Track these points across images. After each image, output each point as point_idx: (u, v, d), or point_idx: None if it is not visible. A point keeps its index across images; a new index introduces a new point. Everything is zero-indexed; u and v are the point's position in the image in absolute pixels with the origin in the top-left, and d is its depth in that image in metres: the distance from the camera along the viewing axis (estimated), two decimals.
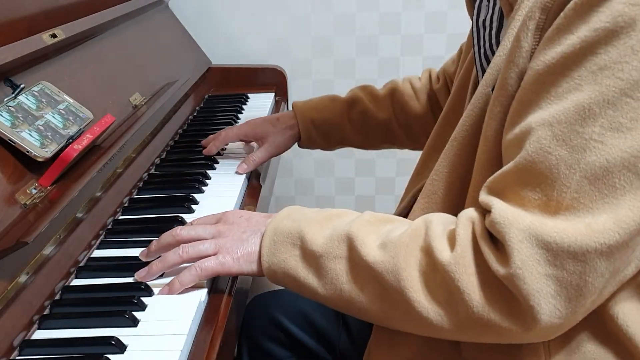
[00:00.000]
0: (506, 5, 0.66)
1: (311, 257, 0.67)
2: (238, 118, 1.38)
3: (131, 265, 0.78)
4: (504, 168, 0.58)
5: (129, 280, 0.75)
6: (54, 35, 0.92)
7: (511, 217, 0.55)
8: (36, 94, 0.84)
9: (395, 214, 0.90)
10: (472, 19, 0.78)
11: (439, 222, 0.63)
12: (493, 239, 0.57)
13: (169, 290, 0.71)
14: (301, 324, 0.95)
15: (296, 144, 1.14)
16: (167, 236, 0.75)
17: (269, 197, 1.27)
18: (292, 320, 0.95)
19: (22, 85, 0.81)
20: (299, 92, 1.76)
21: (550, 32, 0.55)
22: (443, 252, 0.59)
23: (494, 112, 0.62)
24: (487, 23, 0.73)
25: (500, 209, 0.56)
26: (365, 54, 1.74)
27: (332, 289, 0.65)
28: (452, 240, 0.60)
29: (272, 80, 1.65)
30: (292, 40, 1.72)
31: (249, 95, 1.55)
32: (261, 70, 1.65)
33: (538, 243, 0.53)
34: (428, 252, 0.60)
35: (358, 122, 1.11)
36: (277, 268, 0.68)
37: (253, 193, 1.05)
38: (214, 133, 1.25)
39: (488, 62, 0.73)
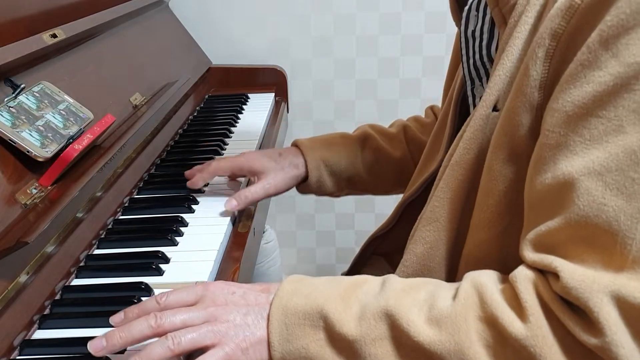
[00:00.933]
0: (498, 16, 0.63)
1: (342, 342, 0.57)
2: (238, 118, 1.39)
3: (131, 265, 0.78)
4: (551, 224, 0.53)
5: (130, 280, 0.75)
6: (54, 35, 0.92)
7: (587, 279, 0.50)
8: (36, 94, 0.84)
9: (401, 202, 0.90)
10: (459, 29, 0.75)
11: (492, 285, 0.56)
12: (568, 304, 0.52)
13: None
14: None
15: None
16: (141, 325, 0.59)
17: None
18: None
19: (22, 85, 0.81)
20: (299, 92, 1.76)
21: (574, 68, 0.51)
22: (514, 323, 0.52)
23: (500, 142, 0.59)
24: (477, 34, 0.71)
25: (570, 271, 0.51)
26: (365, 54, 1.74)
27: None
28: (516, 307, 0.54)
29: (272, 80, 1.65)
30: (292, 40, 1.72)
31: (249, 95, 1.55)
32: (261, 70, 1.65)
33: (621, 305, 0.49)
34: (493, 324, 0.54)
35: (371, 161, 1.00)
36: (296, 357, 0.58)
37: None
38: (214, 133, 1.26)
39: (477, 72, 0.71)
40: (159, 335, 0.59)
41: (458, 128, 0.78)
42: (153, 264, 0.77)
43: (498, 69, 0.61)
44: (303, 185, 0.98)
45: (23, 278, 0.68)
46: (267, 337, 0.59)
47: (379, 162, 1.00)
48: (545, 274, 0.54)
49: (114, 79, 1.09)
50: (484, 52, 0.70)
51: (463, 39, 0.74)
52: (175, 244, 0.83)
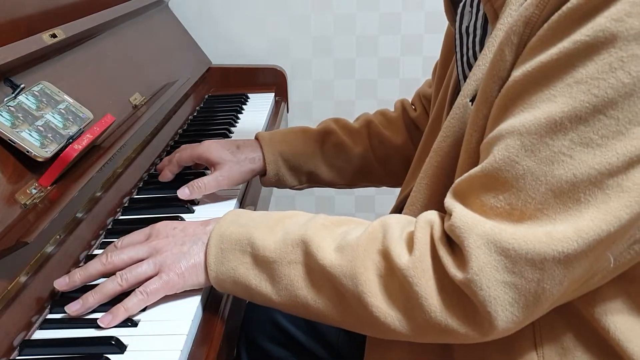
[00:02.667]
0: (491, 11, 0.64)
1: (263, 264, 0.65)
2: (238, 118, 1.39)
3: None
4: (471, 171, 0.57)
5: None
6: (54, 35, 0.92)
7: (471, 222, 0.54)
8: (36, 94, 0.84)
9: (397, 203, 0.90)
10: (453, 26, 0.76)
11: (397, 225, 0.62)
12: (452, 243, 0.57)
13: (113, 318, 0.65)
14: (300, 324, 0.95)
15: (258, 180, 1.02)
16: (96, 264, 0.70)
17: (269, 197, 1.27)
18: (291, 321, 0.95)
19: (22, 85, 0.81)
20: (299, 92, 1.76)
21: (533, 42, 0.54)
22: (401, 256, 0.58)
23: (477, 125, 0.61)
24: (471, 30, 0.72)
25: (461, 213, 0.55)
26: (365, 54, 1.74)
27: (287, 295, 0.64)
28: (410, 243, 0.59)
29: (272, 80, 1.65)
30: (292, 40, 1.72)
31: (249, 95, 1.55)
32: (261, 70, 1.65)
33: (496, 249, 0.53)
34: (386, 256, 0.59)
35: (332, 156, 1.01)
36: (226, 277, 0.66)
37: (254, 192, 1.05)
38: (214, 133, 1.26)
39: (470, 68, 0.72)
40: (111, 271, 0.69)
41: None
42: None
43: (479, 60, 0.64)
44: (263, 178, 0.99)
45: (23, 278, 0.68)
46: (205, 259, 0.67)
47: (340, 157, 1.01)
48: (445, 216, 0.59)
49: (114, 79, 1.09)
50: (477, 47, 0.70)
51: (457, 35, 0.74)
52: None
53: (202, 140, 1.18)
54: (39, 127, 0.79)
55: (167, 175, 0.99)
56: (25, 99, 0.81)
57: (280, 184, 1.00)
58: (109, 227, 0.89)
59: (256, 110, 1.46)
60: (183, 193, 0.92)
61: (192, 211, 0.92)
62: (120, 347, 0.62)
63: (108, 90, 1.05)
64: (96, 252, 0.83)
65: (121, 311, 0.66)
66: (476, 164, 0.61)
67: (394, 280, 0.58)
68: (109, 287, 0.67)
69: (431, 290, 0.56)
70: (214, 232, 0.68)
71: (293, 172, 1.00)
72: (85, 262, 0.80)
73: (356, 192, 1.87)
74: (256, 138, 1.00)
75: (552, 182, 0.52)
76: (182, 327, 0.65)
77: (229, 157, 0.95)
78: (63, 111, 0.86)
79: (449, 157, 0.67)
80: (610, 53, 0.50)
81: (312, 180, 1.02)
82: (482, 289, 0.53)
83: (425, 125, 1.00)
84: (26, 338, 0.66)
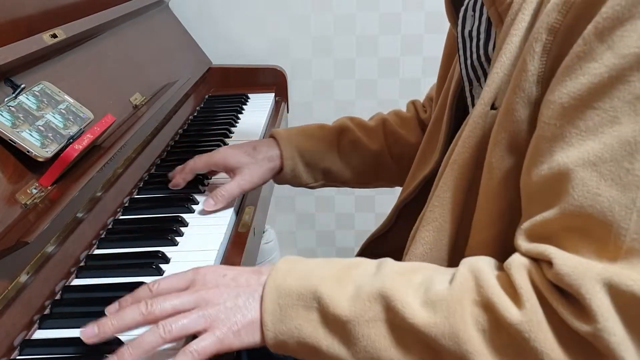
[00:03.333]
0: (495, 15, 0.63)
1: (335, 322, 0.57)
2: (238, 118, 1.39)
3: (131, 265, 0.78)
4: (546, 214, 0.53)
5: (130, 280, 0.75)
6: (54, 35, 0.92)
7: (580, 266, 0.50)
8: (37, 94, 0.84)
9: (398, 202, 0.89)
10: (455, 30, 0.75)
11: (489, 271, 0.56)
12: (563, 292, 0.52)
13: None
14: None
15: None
16: (133, 312, 0.60)
17: (269, 197, 1.27)
18: None
19: (22, 85, 0.81)
20: (299, 92, 1.76)
21: (570, 60, 0.51)
22: (509, 309, 0.52)
23: (498, 139, 0.59)
24: (474, 34, 0.70)
25: (563, 258, 0.51)
26: (365, 54, 1.74)
27: (367, 357, 0.56)
28: (512, 293, 0.54)
29: (272, 80, 1.65)
30: (292, 40, 1.72)
31: (249, 95, 1.55)
32: (261, 70, 1.65)
33: (613, 292, 0.49)
34: (489, 309, 0.53)
35: (348, 152, 0.99)
36: (288, 337, 0.58)
37: (254, 192, 1.05)
38: (214, 133, 1.26)
39: (475, 73, 0.71)
40: (151, 322, 0.59)
41: (454, 129, 0.78)
42: (153, 264, 0.77)
43: (496, 67, 0.61)
44: (278, 176, 0.97)
45: (23, 278, 0.68)
46: (260, 317, 0.59)
47: (356, 154, 0.99)
48: (538, 262, 0.54)
49: (114, 79, 1.09)
50: (481, 51, 0.69)
51: (460, 40, 0.73)
52: (175, 244, 0.84)
53: (202, 141, 1.18)
54: (39, 127, 0.80)
55: (178, 183, 0.96)
56: (26, 99, 0.81)
57: (295, 181, 0.98)
58: (110, 227, 0.89)
59: (256, 110, 1.46)
60: (208, 204, 0.90)
61: (193, 211, 0.93)
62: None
63: (108, 90, 1.05)
64: (97, 252, 0.83)
65: None
66: (497, 180, 0.60)
67: (502, 335, 0.53)
68: (149, 340, 0.58)
69: (551, 344, 0.51)
70: (269, 285, 0.60)
71: (309, 168, 0.98)
72: (85, 263, 0.80)
73: (356, 192, 1.87)
74: (272, 136, 0.98)
75: None
76: None
77: (247, 159, 0.93)
78: (63, 111, 0.86)
79: (470, 170, 0.64)
80: None
81: (327, 177, 1.00)
82: (615, 335, 0.49)
83: None
84: (26, 338, 0.66)
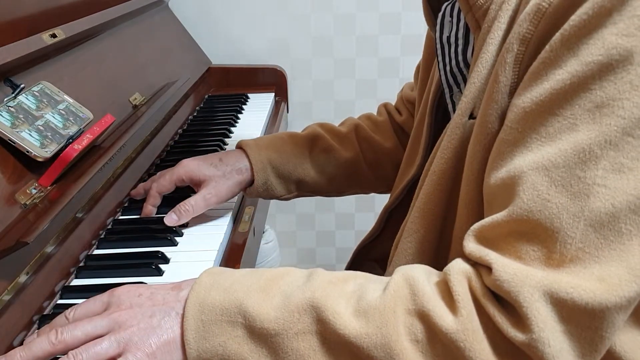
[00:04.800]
0: (472, 21, 0.62)
1: (262, 337, 0.54)
2: (238, 118, 1.39)
3: (131, 265, 0.78)
4: (495, 217, 0.52)
5: (130, 280, 0.75)
6: (54, 35, 0.92)
7: (519, 274, 0.49)
8: (36, 94, 0.84)
9: (385, 207, 0.89)
10: (434, 35, 0.74)
11: (424, 278, 0.55)
12: (498, 299, 0.51)
13: None
14: None
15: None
16: (42, 342, 0.56)
17: None
18: None
19: (22, 85, 0.81)
20: (299, 92, 1.76)
21: (536, 66, 0.51)
22: (444, 316, 0.51)
23: (475, 151, 0.58)
24: (452, 40, 0.70)
25: (503, 264, 0.50)
26: (365, 54, 1.74)
27: None
28: (448, 300, 0.52)
29: (272, 80, 1.65)
30: (292, 40, 1.72)
31: (249, 95, 1.55)
32: (261, 70, 1.65)
33: (553, 300, 0.48)
34: (423, 318, 0.52)
35: (322, 161, 0.95)
36: (212, 355, 0.54)
37: None
38: (214, 133, 1.26)
39: (455, 79, 0.70)
40: (61, 351, 0.56)
41: (435, 133, 0.77)
42: (153, 264, 0.77)
43: (473, 76, 0.60)
44: (249, 189, 0.91)
45: (23, 278, 0.68)
46: (181, 335, 0.55)
47: (330, 163, 0.95)
48: (479, 267, 0.53)
49: (114, 79, 1.09)
50: (460, 57, 0.69)
51: (439, 45, 0.72)
52: (175, 244, 0.84)
53: (202, 141, 1.18)
54: (39, 127, 0.79)
55: (149, 211, 0.90)
56: (25, 99, 0.81)
57: (267, 194, 0.92)
58: (109, 227, 0.89)
59: (256, 110, 1.46)
60: (170, 220, 0.85)
61: None
62: None
63: (108, 90, 1.05)
64: (96, 252, 0.83)
65: None
66: (476, 191, 0.59)
67: (436, 345, 0.51)
68: None
69: (486, 353, 0.50)
70: (191, 300, 0.56)
71: (282, 180, 0.92)
72: (85, 263, 0.80)
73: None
74: (239, 146, 0.93)
75: (590, 216, 0.48)
76: None
77: (213, 171, 0.88)
78: (63, 111, 0.86)
79: (449, 180, 0.63)
80: (628, 71, 0.47)
81: (300, 188, 0.96)
82: (550, 346, 0.48)
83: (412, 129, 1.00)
84: (26, 338, 0.66)
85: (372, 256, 0.96)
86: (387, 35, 1.71)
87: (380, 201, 1.88)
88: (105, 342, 0.55)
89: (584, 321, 0.48)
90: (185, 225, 0.88)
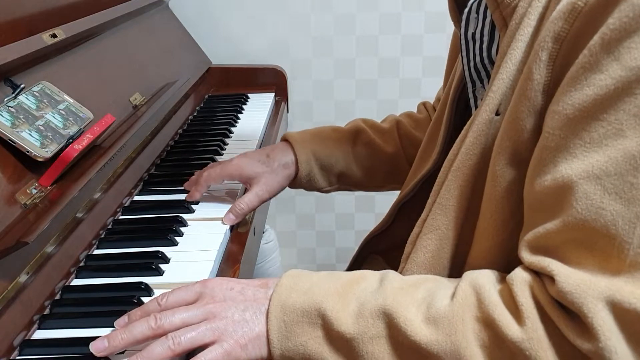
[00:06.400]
0: (499, 19, 0.62)
1: (340, 339, 0.58)
2: (238, 118, 1.39)
3: (131, 265, 0.78)
4: (549, 226, 0.53)
5: (129, 280, 0.75)
6: (54, 35, 0.92)
7: (582, 284, 0.50)
8: (36, 94, 0.84)
9: (397, 200, 0.89)
10: (459, 32, 0.74)
11: (490, 286, 0.57)
12: (563, 308, 0.52)
13: None
14: None
15: None
16: (142, 326, 0.60)
17: None
18: None
19: (22, 85, 0.81)
20: (299, 92, 1.76)
21: (575, 71, 0.51)
22: (510, 325, 0.53)
23: (503, 147, 0.59)
24: (477, 36, 0.70)
25: (566, 275, 0.51)
26: (365, 54, 1.74)
27: None
28: (513, 309, 0.54)
29: (272, 80, 1.65)
30: (292, 40, 1.72)
31: (249, 95, 1.55)
32: (261, 70, 1.65)
33: (617, 310, 0.49)
34: (490, 326, 0.54)
35: (363, 155, 0.98)
36: (294, 354, 0.59)
37: None
38: (214, 133, 1.26)
39: (479, 74, 0.71)
40: (160, 335, 0.59)
41: (454, 129, 0.78)
42: (153, 264, 0.77)
43: (500, 73, 0.60)
44: (293, 181, 0.95)
45: (23, 278, 0.68)
46: (267, 333, 0.60)
47: (371, 157, 0.98)
48: (541, 276, 0.54)
49: (114, 79, 1.09)
50: (485, 54, 0.69)
51: (463, 41, 0.73)
52: (175, 244, 0.84)
53: (202, 141, 1.18)
54: (39, 127, 0.79)
55: (195, 196, 0.93)
56: (26, 99, 0.81)
57: (309, 185, 0.96)
58: (109, 227, 0.89)
59: (256, 110, 1.46)
60: (228, 219, 0.88)
61: (192, 211, 0.92)
62: None
63: (108, 90, 1.05)
64: (96, 252, 0.83)
65: None
66: (501, 189, 0.59)
67: (504, 352, 0.53)
68: (158, 351, 0.58)
69: None
70: (273, 302, 0.61)
71: (325, 172, 0.96)
72: (85, 263, 0.80)
73: (356, 192, 1.87)
74: (285, 139, 0.97)
75: None
76: None
77: (262, 168, 0.92)
78: (63, 111, 0.86)
79: (474, 178, 0.64)
80: None
81: (341, 181, 0.99)
82: (617, 353, 0.49)
83: None
84: (26, 338, 0.66)
85: (378, 249, 0.97)
86: (387, 35, 1.71)
87: (380, 201, 1.89)
88: (202, 328, 0.59)
89: None
90: (186, 225, 0.88)
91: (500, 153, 0.59)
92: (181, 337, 0.58)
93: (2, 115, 0.75)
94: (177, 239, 0.85)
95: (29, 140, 0.76)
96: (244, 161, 0.92)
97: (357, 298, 0.59)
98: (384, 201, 1.87)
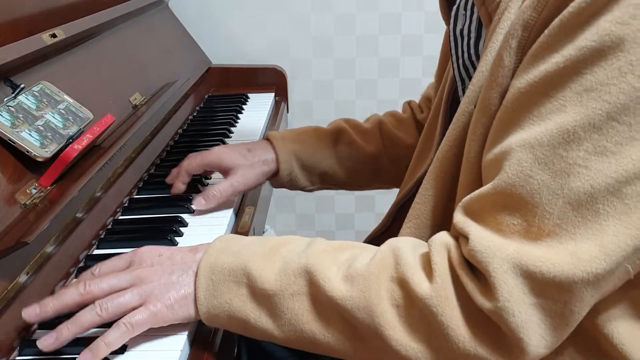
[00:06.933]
0: (485, 15, 0.63)
1: (262, 296, 0.60)
2: (238, 118, 1.39)
3: None
4: (482, 189, 0.55)
5: None
6: (54, 35, 0.92)
7: (492, 245, 0.52)
8: (36, 93, 0.84)
9: (395, 202, 0.89)
10: (448, 28, 0.75)
11: (408, 249, 0.59)
12: (473, 268, 0.54)
13: (92, 356, 0.59)
14: None
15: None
16: (71, 293, 0.62)
17: (269, 197, 1.27)
18: None
19: (22, 85, 0.81)
20: (299, 92, 1.76)
21: (534, 49, 0.53)
22: (421, 284, 0.55)
23: (476, 134, 0.60)
24: (465, 32, 0.71)
25: (480, 236, 0.53)
26: (365, 54, 1.74)
27: (291, 329, 0.60)
28: (427, 269, 0.56)
29: (272, 80, 1.65)
30: (292, 40, 1.72)
31: (249, 95, 1.55)
32: (261, 70, 1.65)
33: (522, 273, 0.51)
34: (402, 284, 0.56)
35: (345, 155, 0.99)
36: (220, 311, 0.61)
37: (254, 192, 1.05)
38: (214, 133, 1.26)
39: (467, 72, 0.71)
40: (89, 301, 0.62)
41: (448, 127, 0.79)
42: None
43: (481, 65, 0.62)
44: (274, 179, 0.97)
45: (23, 278, 0.68)
46: (195, 292, 0.62)
47: (353, 157, 0.99)
48: (460, 238, 0.56)
49: (114, 79, 1.09)
50: (472, 50, 0.70)
51: (452, 38, 0.73)
52: (175, 244, 0.83)
53: (202, 141, 1.18)
54: (39, 127, 0.79)
55: (179, 188, 0.95)
56: (25, 99, 0.81)
57: (291, 185, 0.98)
58: (109, 227, 0.89)
59: (256, 110, 1.46)
60: (199, 203, 0.90)
61: (192, 211, 0.92)
62: (120, 347, 0.62)
63: (108, 90, 1.05)
64: (96, 252, 0.83)
65: (102, 347, 0.59)
66: (477, 175, 0.60)
67: (414, 309, 0.55)
68: (86, 317, 0.60)
69: (457, 319, 0.54)
70: (203, 262, 0.63)
71: (306, 172, 0.97)
72: (85, 263, 0.80)
73: (356, 192, 1.87)
74: (267, 138, 0.98)
75: (569, 194, 0.50)
76: (177, 342, 0.63)
77: (241, 161, 0.93)
78: (63, 111, 0.86)
79: (454, 167, 0.65)
80: (618, 57, 0.48)
81: (324, 181, 1.00)
82: (514, 315, 0.51)
83: None
84: (26, 338, 0.66)
85: None
86: (387, 35, 1.71)
87: (380, 201, 1.89)
88: (128, 294, 0.61)
89: (552, 294, 0.51)
90: (185, 225, 0.88)
91: (474, 140, 0.60)
92: (108, 303, 0.60)
93: (2, 115, 0.75)
94: (177, 239, 0.85)
95: (29, 140, 0.76)
96: (224, 151, 0.94)
97: (283, 258, 0.62)
98: (384, 201, 1.87)
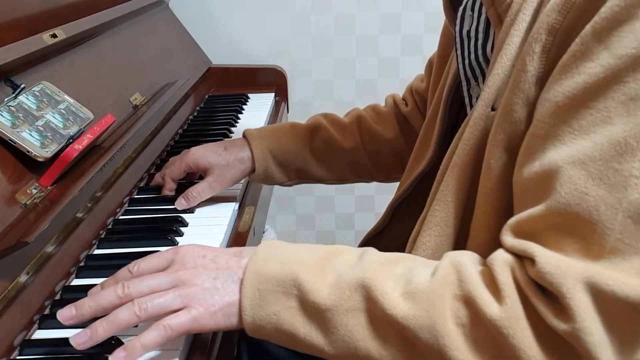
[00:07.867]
0: (494, 16, 0.63)
1: (314, 310, 0.57)
2: (238, 118, 1.39)
3: None
4: (533, 211, 0.53)
5: None
6: (54, 35, 0.92)
7: (562, 265, 0.50)
8: (36, 94, 0.84)
9: (393, 200, 0.89)
10: (453, 29, 0.75)
11: (470, 265, 0.56)
12: (543, 290, 0.52)
13: (127, 355, 0.56)
14: None
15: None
16: (109, 294, 0.59)
17: (269, 196, 1.27)
18: None
19: (22, 85, 0.81)
20: (299, 92, 1.76)
21: (566, 59, 0.52)
22: (490, 304, 0.52)
23: (497, 140, 0.59)
24: (472, 34, 0.70)
25: (547, 256, 0.51)
26: (365, 54, 1.74)
27: (344, 346, 0.56)
28: (493, 288, 0.54)
29: (272, 80, 1.65)
30: (292, 40, 1.72)
31: (249, 95, 1.55)
32: (261, 70, 1.65)
33: (595, 292, 0.49)
34: (469, 303, 0.53)
35: (321, 151, 0.99)
36: (266, 323, 0.58)
37: (254, 192, 1.05)
38: (214, 133, 1.26)
39: (473, 72, 0.71)
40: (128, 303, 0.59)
41: (449, 128, 0.78)
42: None
43: (496, 68, 0.61)
44: (251, 175, 0.97)
45: (23, 278, 0.68)
46: (239, 301, 0.58)
47: (329, 152, 0.99)
48: (522, 258, 0.54)
49: (114, 79, 1.09)
50: (480, 52, 0.69)
51: (458, 39, 0.73)
52: (175, 243, 0.84)
53: (202, 141, 1.18)
54: (39, 127, 0.79)
55: (169, 195, 0.97)
56: (26, 99, 0.81)
57: (268, 180, 0.98)
58: (109, 227, 0.89)
59: (256, 110, 1.46)
60: (180, 204, 0.92)
61: (193, 211, 0.93)
62: None
63: (108, 90, 1.05)
64: (96, 252, 0.83)
65: (137, 347, 0.57)
66: (496, 183, 0.60)
67: (480, 330, 0.53)
68: (124, 316, 0.57)
69: (529, 341, 0.51)
70: (249, 269, 0.59)
71: (282, 168, 0.98)
72: (85, 263, 0.80)
73: (356, 191, 1.87)
74: (244, 135, 0.99)
75: (629, 208, 0.49)
76: (176, 343, 0.63)
77: (217, 160, 0.94)
78: (63, 111, 0.86)
79: (471, 172, 0.64)
80: None
81: (301, 176, 1.01)
82: (592, 335, 0.49)
83: (416, 120, 1.00)
84: (26, 338, 0.66)
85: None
86: (387, 35, 1.71)
87: (380, 201, 1.88)
88: (170, 295, 0.58)
89: (624, 313, 0.49)
90: (186, 225, 0.88)
91: (494, 146, 0.60)
92: (147, 302, 0.57)
93: (2, 115, 0.75)
94: (177, 239, 0.85)
95: (29, 140, 0.76)
96: (200, 152, 0.95)
97: (335, 270, 0.58)
98: (384, 201, 1.86)
